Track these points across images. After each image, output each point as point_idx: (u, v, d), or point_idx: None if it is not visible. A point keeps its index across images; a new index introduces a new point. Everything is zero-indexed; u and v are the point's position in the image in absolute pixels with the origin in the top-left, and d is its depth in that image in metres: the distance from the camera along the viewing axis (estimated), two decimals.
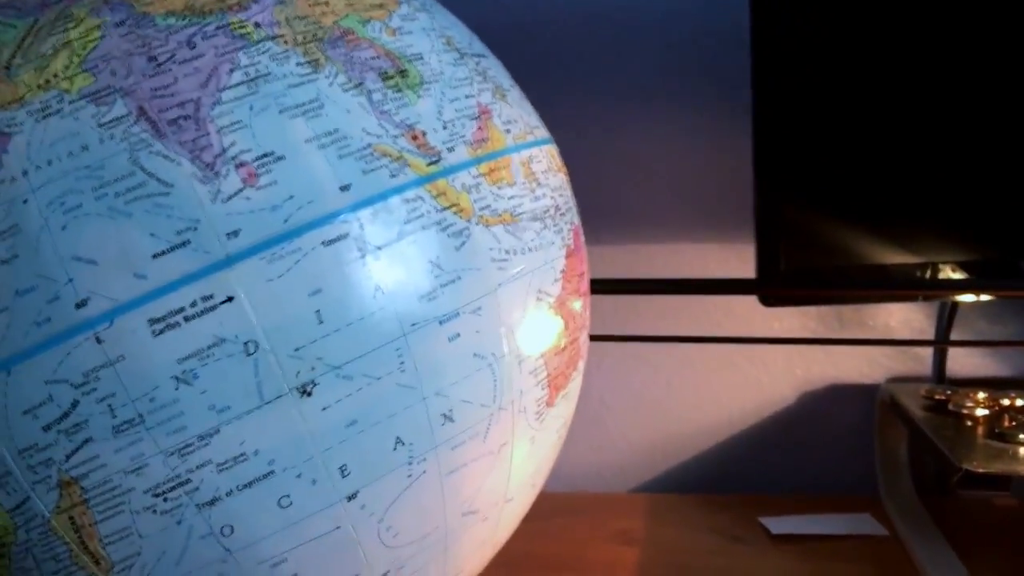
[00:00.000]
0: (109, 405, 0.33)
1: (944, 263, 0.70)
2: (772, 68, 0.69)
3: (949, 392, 0.74)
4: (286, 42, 0.36)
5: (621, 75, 0.85)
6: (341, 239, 0.35)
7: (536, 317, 0.41)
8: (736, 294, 0.74)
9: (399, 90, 0.38)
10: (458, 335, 0.37)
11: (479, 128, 0.40)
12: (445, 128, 0.39)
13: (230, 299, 0.33)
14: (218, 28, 0.35)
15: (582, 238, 0.47)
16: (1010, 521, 0.79)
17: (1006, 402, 0.71)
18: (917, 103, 0.69)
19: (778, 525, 0.79)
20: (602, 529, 0.81)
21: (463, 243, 0.38)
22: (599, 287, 0.72)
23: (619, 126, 0.86)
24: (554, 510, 0.84)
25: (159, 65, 0.34)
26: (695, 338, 0.78)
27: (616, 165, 0.87)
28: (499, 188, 0.40)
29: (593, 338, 0.80)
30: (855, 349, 0.84)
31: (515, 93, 0.45)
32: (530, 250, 0.41)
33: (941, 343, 0.81)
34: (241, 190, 0.33)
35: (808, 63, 0.69)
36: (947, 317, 0.81)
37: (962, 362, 0.85)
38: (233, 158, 0.34)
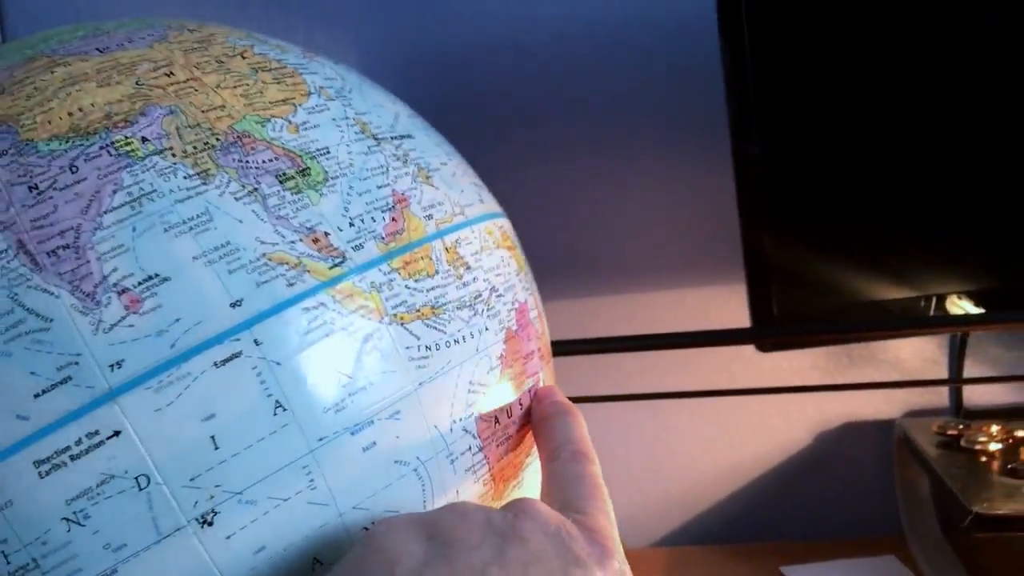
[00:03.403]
0: (2, 552, 0.31)
1: (947, 294, 0.67)
2: (750, 108, 0.67)
3: (962, 427, 0.70)
4: (174, 155, 0.35)
5: (619, 128, 0.84)
6: (235, 358, 0.33)
7: (469, 411, 0.39)
8: (731, 344, 0.72)
9: (299, 191, 0.37)
10: (374, 443, 0.35)
11: (393, 219, 0.38)
12: (352, 225, 0.37)
13: (117, 433, 0.32)
14: (101, 148, 0.34)
15: (530, 315, 0.44)
16: None
17: (1020, 434, 0.67)
18: (906, 134, 0.67)
19: (800, 574, 0.76)
20: None
21: (374, 346, 0.36)
22: (590, 347, 0.70)
23: (619, 179, 0.84)
24: None
25: (40, 194, 0.33)
26: (693, 393, 0.76)
27: (616, 217, 0.85)
28: (416, 281, 0.38)
29: (597, 399, 0.78)
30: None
31: (446, 171, 0.43)
32: (457, 341, 0.39)
33: (952, 382, 0.78)
34: (124, 318, 0.32)
35: (789, 99, 0.67)
36: (959, 347, 0.77)
37: (980, 391, 0.81)
38: (114, 285, 0.32)
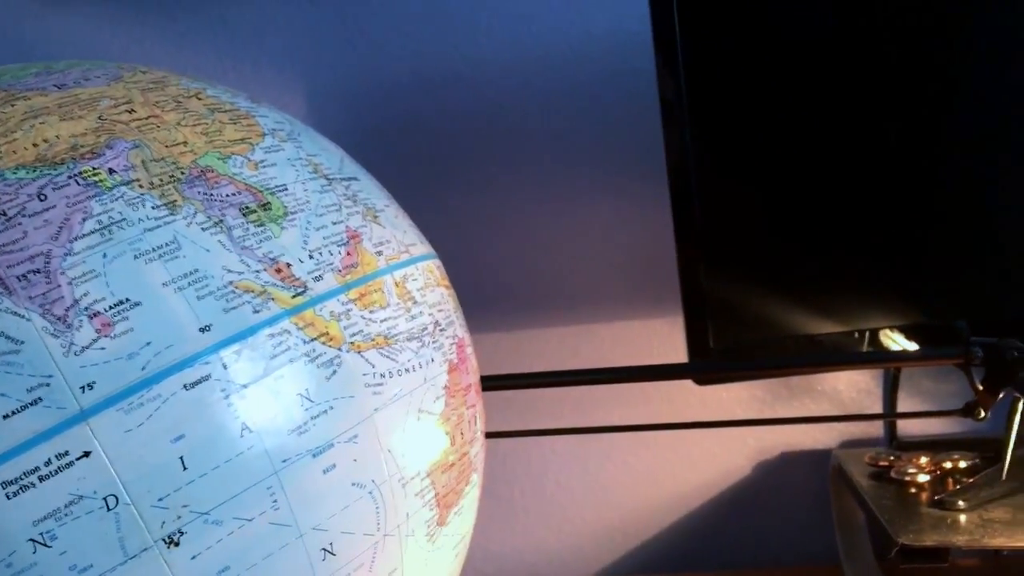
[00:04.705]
0: None
1: (880, 328, 0.70)
2: (687, 145, 0.69)
3: (893, 458, 0.73)
4: (141, 186, 0.36)
5: (559, 164, 0.86)
6: (203, 381, 0.34)
7: (418, 437, 0.40)
8: (668, 379, 0.74)
9: (261, 224, 0.38)
10: (334, 466, 0.37)
11: (348, 253, 0.40)
12: (311, 257, 0.39)
13: (87, 454, 0.32)
14: (70, 177, 0.35)
15: (468, 349, 0.47)
16: None
17: (948, 465, 0.71)
18: (839, 173, 0.70)
19: None
20: None
21: (334, 372, 0.37)
22: (535, 380, 0.72)
23: (561, 214, 0.87)
24: None
25: (8, 220, 0.34)
26: (634, 427, 0.78)
27: (559, 252, 0.87)
28: (371, 312, 0.40)
29: (539, 432, 0.80)
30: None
31: (389, 212, 0.45)
32: (407, 371, 0.40)
33: (883, 416, 0.81)
34: (95, 340, 0.33)
35: (726, 136, 0.70)
36: (892, 381, 0.80)
37: (913, 421, 0.84)
38: (86, 309, 0.33)
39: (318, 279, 0.38)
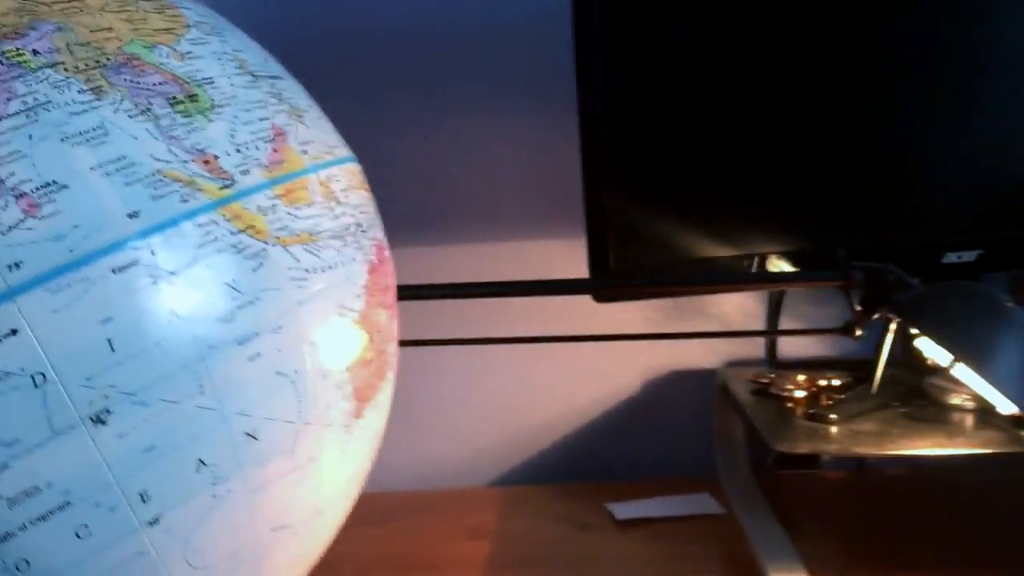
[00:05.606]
0: None
1: (768, 254, 0.74)
2: (596, 69, 0.71)
3: (773, 376, 0.78)
4: (67, 69, 0.36)
5: (468, 84, 0.87)
6: (131, 266, 0.35)
7: (339, 332, 0.42)
8: (569, 294, 0.77)
9: (189, 115, 0.38)
10: (259, 354, 0.38)
11: (274, 150, 0.41)
12: (239, 151, 0.39)
13: (14, 332, 0.33)
14: None
15: (387, 252, 0.48)
16: (836, 492, 0.85)
17: (823, 383, 0.76)
18: (736, 100, 0.73)
19: (623, 510, 0.82)
20: (455, 525, 0.82)
21: (260, 264, 0.38)
22: (439, 292, 0.74)
23: (469, 132, 0.88)
24: (409, 509, 0.86)
25: None
26: (528, 339, 0.81)
27: (464, 169, 0.88)
28: (296, 208, 0.40)
29: (439, 342, 0.81)
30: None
31: (313, 114, 0.46)
32: (331, 267, 0.42)
33: (765, 333, 0.86)
34: (22, 221, 0.33)
35: (634, 62, 0.72)
36: (775, 304, 0.85)
37: (792, 344, 0.90)
38: (12, 189, 0.33)
39: (245, 173, 0.39)
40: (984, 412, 0.68)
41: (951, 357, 0.61)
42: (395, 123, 0.88)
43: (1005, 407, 0.62)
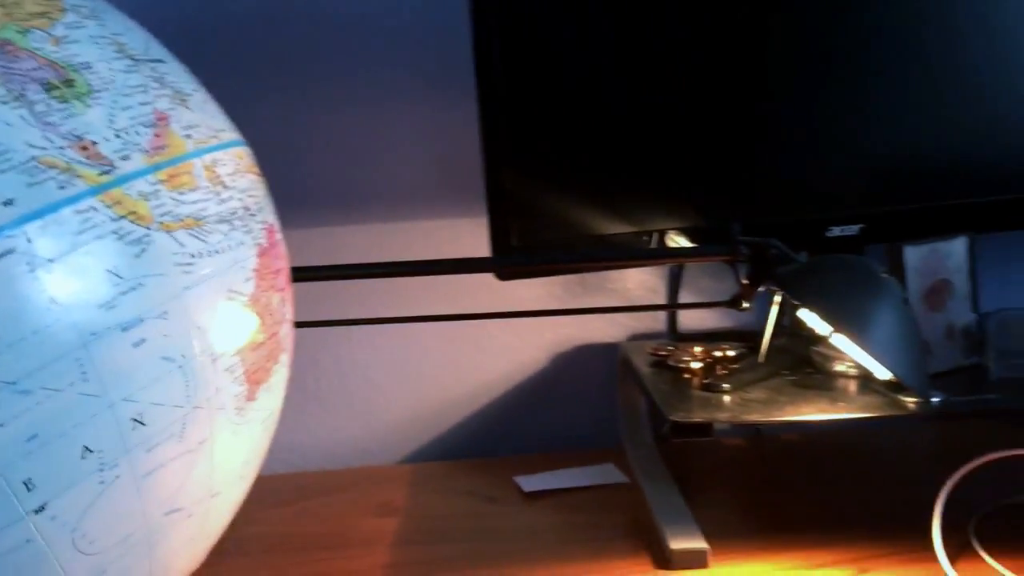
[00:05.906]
0: None
1: (665, 230, 0.76)
2: (494, 51, 0.72)
3: (671, 348, 0.80)
4: None
5: (373, 65, 0.87)
6: (7, 254, 0.34)
7: (228, 316, 0.42)
8: (471, 272, 0.78)
9: (65, 100, 0.38)
10: (143, 340, 0.38)
11: (156, 135, 0.41)
12: (118, 136, 0.39)
13: None
14: None
15: (278, 235, 0.48)
16: (734, 458, 0.88)
17: (719, 354, 0.78)
18: (631, 81, 0.75)
19: (530, 483, 0.84)
20: (365, 503, 0.83)
21: (143, 250, 0.38)
22: (343, 272, 0.74)
23: (374, 114, 0.88)
24: (319, 488, 0.86)
25: None
26: (434, 317, 0.82)
27: (369, 150, 0.89)
28: (180, 193, 0.41)
29: (347, 322, 0.82)
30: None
31: (198, 97, 0.46)
32: (218, 252, 0.42)
33: (662, 307, 0.89)
34: None
35: (532, 44, 0.73)
36: (675, 279, 0.88)
37: (693, 316, 0.93)
38: None
39: (125, 158, 0.39)
40: (865, 379, 0.72)
41: (830, 328, 0.63)
42: (298, 106, 0.88)
43: (882, 373, 0.66)
